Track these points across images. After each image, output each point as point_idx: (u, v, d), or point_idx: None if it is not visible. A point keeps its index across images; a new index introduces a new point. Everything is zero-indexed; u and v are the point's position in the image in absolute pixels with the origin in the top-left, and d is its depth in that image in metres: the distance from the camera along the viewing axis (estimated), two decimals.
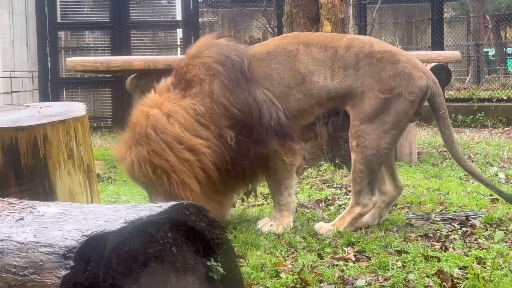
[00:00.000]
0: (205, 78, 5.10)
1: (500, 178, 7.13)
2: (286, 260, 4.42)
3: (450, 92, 16.35)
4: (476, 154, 9.05)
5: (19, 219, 2.20)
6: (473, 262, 4.21)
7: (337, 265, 4.28)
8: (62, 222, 2.13)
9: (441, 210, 5.76)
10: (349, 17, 8.31)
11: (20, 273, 2.00)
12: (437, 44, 15.35)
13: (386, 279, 3.99)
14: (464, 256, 4.35)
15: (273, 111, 5.12)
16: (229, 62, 5.13)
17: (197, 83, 5.11)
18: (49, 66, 14.64)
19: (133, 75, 8.21)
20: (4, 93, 11.76)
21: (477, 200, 5.99)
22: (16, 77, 12.88)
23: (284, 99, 5.19)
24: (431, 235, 4.97)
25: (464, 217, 5.39)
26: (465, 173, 6.49)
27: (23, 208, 2.29)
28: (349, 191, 6.09)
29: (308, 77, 5.20)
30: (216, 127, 5.03)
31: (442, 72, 8.22)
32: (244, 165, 5.13)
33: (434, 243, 4.73)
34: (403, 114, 5.13)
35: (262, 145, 5.11)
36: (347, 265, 4.25)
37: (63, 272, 1.95)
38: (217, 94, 5.05)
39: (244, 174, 5.22)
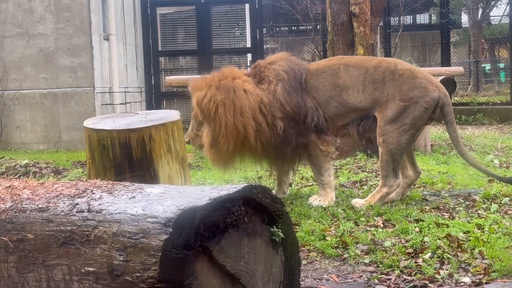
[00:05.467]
0: (273, 80, 5.20)
1: (495, 164, 7.00)
2: (330, 227, 4.41)
3: (455, 98, 16.00)
4: (476, 145, 8.88)
5: (132, 197, 2.23)
6: (474, 228, 4.15)
7: (369, 230, 4.25)
8: (163, 199, 2.15)
9: (449, 188, 5.68)
10: (377, 42, 8.27)
11: (133, 237, 2.03)
12: (445, 61, 15.06)
13: (407, 241, 3.96)
14: (467, 223, 4.29)
15: (315, 116, 5.16)
16: (292, 74, 5.20)
17: (266, 82, 5.21)
18: (152, 83, 14.76)
19: None
20: (120, 103, 11.91)
21: (477, 181, 5.89)
22: (128, 92, 13.05)
23: (326, 106, 5.20)
24: (441, 207, 4.90)
25: (467, 194, 5.31)
26: None
27: (134, 189, 2.32)
28: (378, 174, 6.03)
29: (345, 90, 5.17)
30: (271, 117, 5.11)
31: (449, 83, 8.11)
32: (286, 150, 5.23)
33: (444, 214, 4.67)
34: (419, 117, 5.05)
35: (303, 136, 5.20)
36: (377, 231, 4.23)
37: (164, 237, 1.97)
38: (278, 94, 5.13)
39: (284, 156, 5.33)
